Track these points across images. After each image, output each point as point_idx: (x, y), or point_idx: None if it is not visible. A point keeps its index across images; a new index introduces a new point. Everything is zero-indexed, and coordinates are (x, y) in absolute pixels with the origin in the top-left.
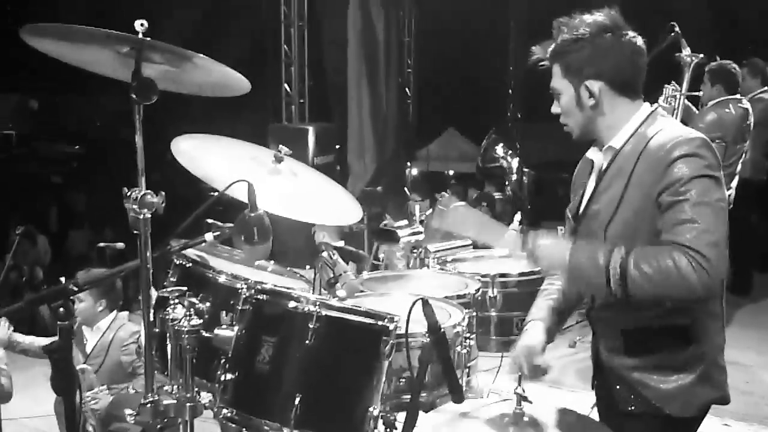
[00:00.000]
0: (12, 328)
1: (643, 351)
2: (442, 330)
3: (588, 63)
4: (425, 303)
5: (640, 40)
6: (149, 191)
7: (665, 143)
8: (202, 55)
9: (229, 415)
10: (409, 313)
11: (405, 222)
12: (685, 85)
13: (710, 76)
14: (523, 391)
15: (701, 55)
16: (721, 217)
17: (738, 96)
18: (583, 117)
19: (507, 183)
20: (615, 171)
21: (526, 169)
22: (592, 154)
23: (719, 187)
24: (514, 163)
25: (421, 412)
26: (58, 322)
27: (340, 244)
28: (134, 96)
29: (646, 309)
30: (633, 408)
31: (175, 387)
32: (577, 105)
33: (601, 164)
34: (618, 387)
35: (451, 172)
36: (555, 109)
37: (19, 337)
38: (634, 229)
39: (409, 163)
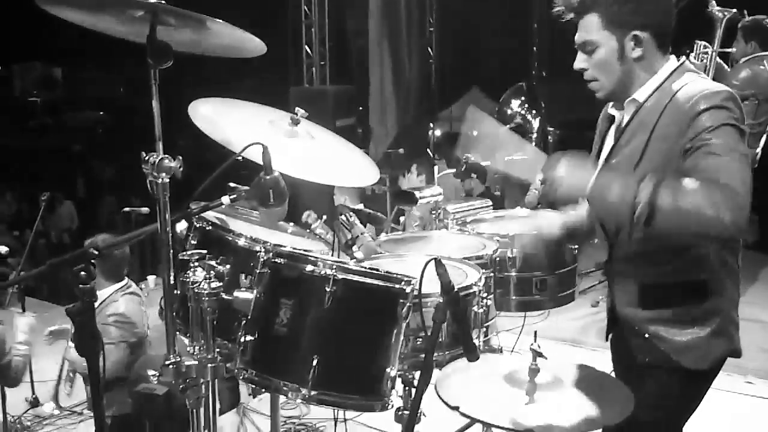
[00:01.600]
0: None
1: (659, 305)
2: (456, 290)
3: (635, 12)
4: (438, 263)
5: None
6: (167, 155)
7: (691, 96)
8: (216, 18)
9: (248, 375)
10: (422, 273)
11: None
12: (716, 41)
13: (744, 32)
14: (539, 346)
15: (733, 10)
16: (746, 163)
17: None
18: (623, 71)
19: (530, 142)
20: (637, 125)
21: (550, 129)
22: (612, 108)
23: (743, 138)
24: (536, 122)
25: (436, 370)
26: (80, 285)
27: (359, 206)
28: (150, 60)
29: (665, 263)
30: (648, 360)
31: (197, 348)
32: (619, 58)
33: (622, 118)
34: (634, 339)
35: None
36: (581, 64)
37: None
38: None
39: (432, 125)
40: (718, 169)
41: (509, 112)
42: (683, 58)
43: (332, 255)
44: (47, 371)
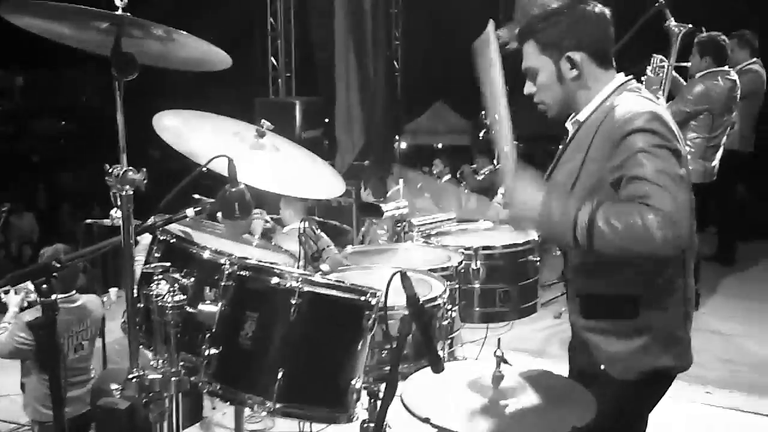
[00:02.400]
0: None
1: (595, 315)
2: (421, 302)
3: (566, 35)
4: (404, 276)
5: (607, 11)
6: (131, 168)
7: (620, 118)
8: (181, 30)
9: (213, 389)
10: (388, 286)
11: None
12: (673, 55)
13: (699, 47)
14: (503, 353)
15: (689, 26)
16: (680, 183)
17: (726, 68)
18: (564, 91)
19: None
20: (576, 143)
21: (515, 142)
22: (568, 123)
23: (673, 158)
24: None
25: (401, 383)
26: (41, 299)
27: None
28: (114, 72)
29: (603, 276)
30: (587, 367)
31: (161, 362)
32: (558, 79)
33: (569, 135)
34: (578, 346)
35: (440, 145)
36: (529, 89)
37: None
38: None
39: (397, 137)
40: (649, 195)
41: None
42: (629, 77)
43: (298, 267)
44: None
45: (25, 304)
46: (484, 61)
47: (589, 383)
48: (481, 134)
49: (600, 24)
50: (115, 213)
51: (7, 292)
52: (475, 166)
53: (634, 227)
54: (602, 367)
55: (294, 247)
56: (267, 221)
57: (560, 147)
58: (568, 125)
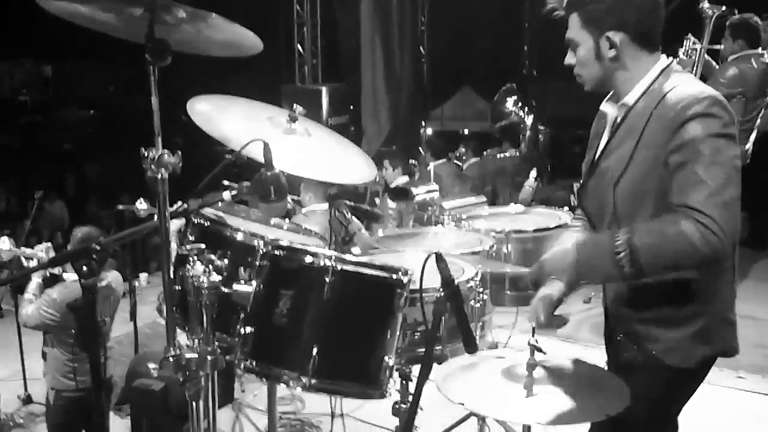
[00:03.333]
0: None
1: (646, 304)
2: (456, 283)
3: (609, 13)
4: (439, 257)
5: None
6: (166, 150)
7: (677, 103)
8: (215, 14)
9: (249, 366)
10: (423, 266)
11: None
12: (705, 37)
13: (732, 30)
14: (537, 341)
15: (723, 8)
16: (733, 177)
17: (760, 50)
18: (601, 69)
19: (522, 138)
20: (626, 129)
21: (541, 127)
22: (606, 107)
23: (733, 145)
24: (528, 119)
25: (435, 365)
26: (82, 280)
27: (324, 206)
28: (149, 57)
29: None
30: (636, 357)
31: (197, 341)
32: (596, 57)
33: (615, 118)
34: (623, 337)
35: (466, 131)
36: (570, 60)
37: (27, 251)
38: (643, 190)
39: (423, 123)
40: (696, 193)
41: (505, 110)
42: (671, 58)
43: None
44: (39, 369)
45: (48, 274)
46: None
47: (639, 374)
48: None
49: (646, 5)
50: (140, 204)
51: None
52: (500, 149)
53: (677, 239)
54: (659, 357)
55: (313, 228)
56: (288, 202)
57: (602, 133)
58: (607, 108)
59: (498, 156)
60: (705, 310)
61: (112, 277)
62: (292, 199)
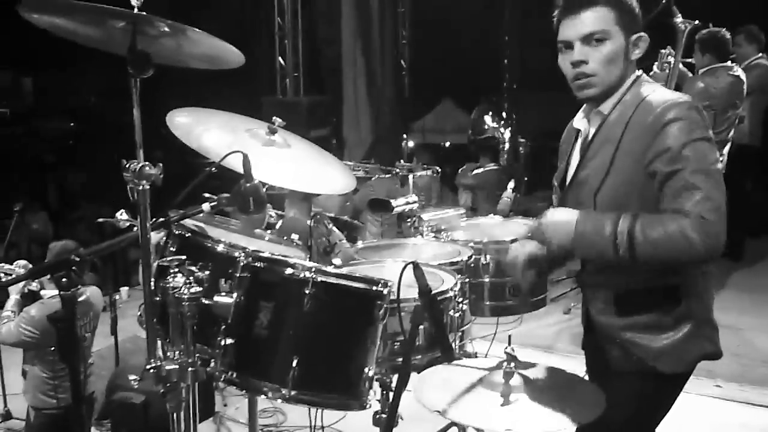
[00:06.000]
0: None
1: (633, 311)
2: (432, 292)
3: (638, 14)
4: (416, 266)
5: None
6: (147, 163)
7: (655, 107)
8: (196, 29)
9: (229, 377)
10: (401, 276)
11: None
12: (679, 52)
13: (701, 44)
14: (513, 350)
15: (696, 22)
16: (718, 180)
17: (729, 63)
18: (621, 70)
19: (501, 153)
20: (603, 138)
21: (522, 140)
22: (578, 122)
23: (713, 149)
24: (507, 133)
25: (413, 374)
26: (61, 292)
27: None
28: (131, 69)
29: (639, 272)
30: (623, 366)
31: (177, 353)
32: (625, 57)
33: (587, 132)
34: (608, 346)
35: (447, 144)
36: (581, 56)
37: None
38: (625, 196)
39: (405, 135)
40: (689, 197)
41: (484, 127)
42: (640, 71)
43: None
44: (18, 385)
45: (26, 291)
46: None
47: (627, 382)
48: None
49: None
50: (121, 215)
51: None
52: (478, 164)
53: (677, 238)
54: (650, 363)
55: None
56: (271, 216)
57: (575, 146)
58: (579, 123)
59: (478, 171)
60: (692, 314)
61: (90, 292)
62: (277, 213)
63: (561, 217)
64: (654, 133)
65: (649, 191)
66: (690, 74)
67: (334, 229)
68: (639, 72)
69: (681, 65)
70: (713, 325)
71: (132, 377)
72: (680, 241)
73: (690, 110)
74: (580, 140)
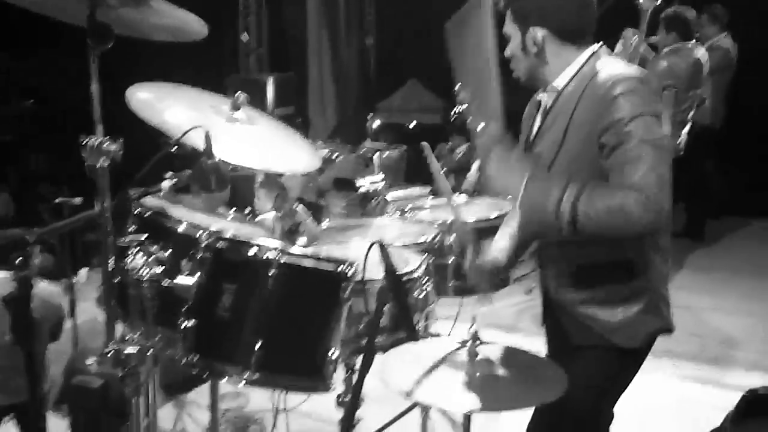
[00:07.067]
0: None
1: (590, 285)
2: (398, 271)
3: (534, 11)
4: (381, 246)
5: None
6: (107, 138)
7: (606, 81)
8: None
9: (190, 361)
10: (366, 256)
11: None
12: (643, 31)
13: (665, 23)
14: (477, 331)
15: (658, 1)
16: (664, 155)
17: (692, 43)
18: (528, 63)
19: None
20: (557, 111)
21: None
22: (540, 94)
23: (660, 124)
24: None
25: (377, 355)
26: (15, 273)
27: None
28: (90, 41)
29: (593, 245)
30: (582, 341)
31: (137, 336)
32: (523, 51)
33: (546, 103)
34: (567, 321)
35: (413, 124)
36: (506, 52)
37: None
38: (578, 169)
39: (371, 114)
40: (634, 170)
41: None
42: (600, 43)
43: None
44: None
45: None
46: (473, 26)
47: (585, 358)
48: (454, 113)
49: (573, 4)
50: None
51: None
52: (450, 144)
53: (618, 213)
54: (607, 337)
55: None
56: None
57: (537, 117)
58: (542, 96)
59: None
60: (647, 288)
61: (42, 292)
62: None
63: (514, 169)
64: (605, 105)
65: (599, 164)
66: (654, 53)
67: (300, 209)
68: (596, 47)
69: (645, 45)
70: (666, 299)
71: (90, 361)
72: (622, 215)
73: (640, 84)
74: (539, 114)
